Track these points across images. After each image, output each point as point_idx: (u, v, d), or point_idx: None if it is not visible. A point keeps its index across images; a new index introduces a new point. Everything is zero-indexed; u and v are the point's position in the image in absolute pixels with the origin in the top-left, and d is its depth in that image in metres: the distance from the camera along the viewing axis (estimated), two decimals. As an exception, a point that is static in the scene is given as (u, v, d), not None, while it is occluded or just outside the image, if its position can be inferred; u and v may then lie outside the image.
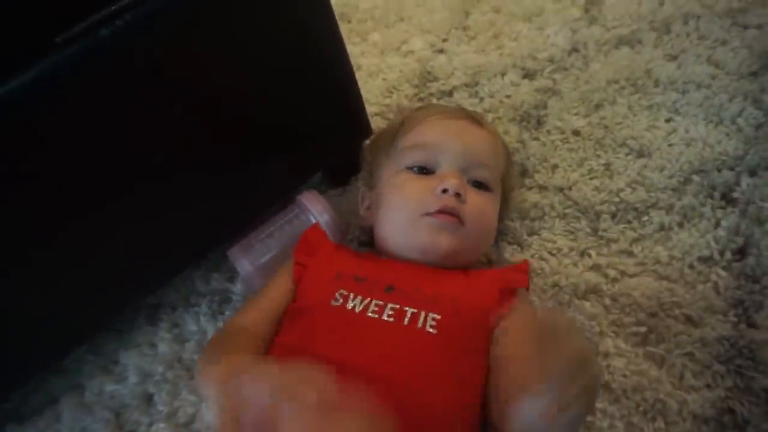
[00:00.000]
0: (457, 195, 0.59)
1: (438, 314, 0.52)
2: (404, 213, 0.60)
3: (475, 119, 0.68)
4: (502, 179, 0.68)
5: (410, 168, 0.63)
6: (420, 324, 0.51)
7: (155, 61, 0.53)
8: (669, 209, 0.69)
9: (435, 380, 0.48)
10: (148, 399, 0.69)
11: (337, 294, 0.55)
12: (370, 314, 0.52)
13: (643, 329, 0.60)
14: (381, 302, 0.53)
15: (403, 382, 0.48)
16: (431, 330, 0.51)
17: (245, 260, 0.70)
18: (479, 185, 0.63)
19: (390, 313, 0.52)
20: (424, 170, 0.63)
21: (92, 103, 0.51)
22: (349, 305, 0.53)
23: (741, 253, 0.64)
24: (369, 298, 0.54)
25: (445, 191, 0.59)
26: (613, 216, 0.70)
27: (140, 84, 0.54)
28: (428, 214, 0.59)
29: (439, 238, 0.58)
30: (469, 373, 0.51)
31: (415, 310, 0.52)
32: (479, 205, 0.61)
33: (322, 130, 0.73)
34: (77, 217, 0.57)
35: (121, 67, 0.51)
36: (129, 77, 0.52)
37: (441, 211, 0.58)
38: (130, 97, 0.53)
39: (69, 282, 0.61)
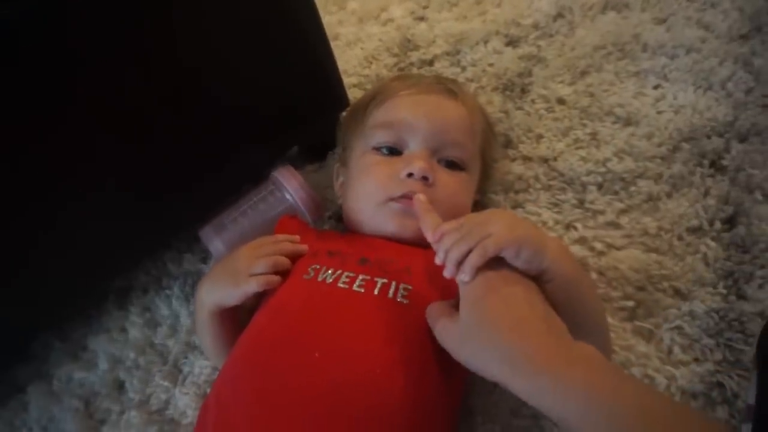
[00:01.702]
0: (424, 179, 0.56)
1: (409, 284, 0.51)
2: (370, 198, 0.58)
3: (451, 91, 0.64)
4: (483, 152, 0.66)
5: (378, 148, 0.60)
6: (390, 294, 0.50)
7: (117, 31, 0.50)
8: (657, 179, 0.67)
9: (405, 351, 0.47)
10: (119, 386, 0.66)
11: (309, 268, 0.54)
12: (340, 285, 0.51)
13: (630, 303, 0.58)
14: (352, 274, 0.52)
15: (371, 352, 0.46)
16: (402, 300, 0.50)
17: (218, 240, 0.67)
18: (452, 165, 0.60)
19: (361, 283, 0.51)
20: (393, 150, 0.60)
21: (40, 73, 0.48)
22: (320, 277, 0.52)
23: (730, 222, 0.62)
24: (341, 270, 0.52)
25: (410, 175, 0.56)
26: (600, 187, 0.68)
27: (94, 54, 0.50)
28: (392, 199, 0.57)
29: (405, 224, 0.56)
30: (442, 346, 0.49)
31: (386, 281, 0.51)
32: (450, 187, 0.58)
33: (297, 103, 0.70)
34: (38, 199, 0.54)
35: (66, 34, 0.47)
36: (78, 47, 0.49)
37: (406, 196, 0.56)
38: (81, 70, 0.50)
39: (30, 263, 0.58)
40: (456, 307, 0.45)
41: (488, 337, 0.41)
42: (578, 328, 0.41)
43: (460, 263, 0.44)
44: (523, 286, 0.43)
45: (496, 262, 0.44)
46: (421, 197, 0.53)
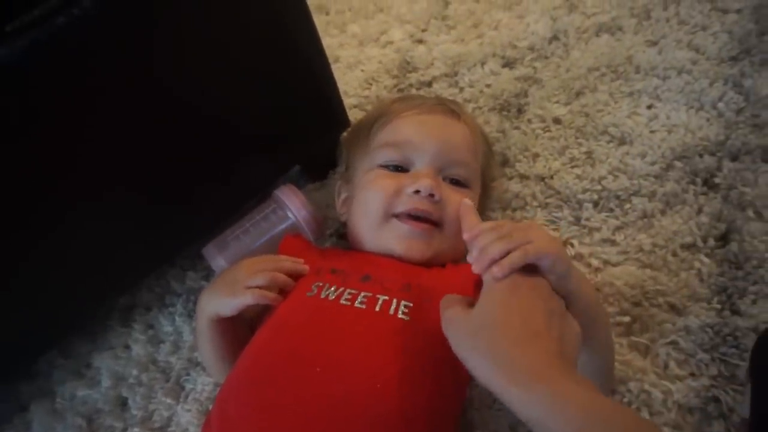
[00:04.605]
0: (431, 196, 0.57)
1: (410, 302, 0.51)
2: (374, 212, 0.59)
3: (454, 112, 0.66)
4: (482, 171, 0.67)
5: (384, 166, 0.62)
6: (392, 311, 0.51)
7: (118, 54, 0.51)
8: (651, 196, 0.68)
9: (405, 367, 0.48)
10: (122, 403, 0.67)
11: (312, 286, 0.55)
12: (342, 302, 0.52)
13: (626, 319, 0.59)
14: (354, 290, 0.53)
15: (372, 367, 0.47)
16: (403, 317, 0.50)
17: (220, 258, 0.68)
18: (456, 183, 0.61)
19: (362, 300, 0.52)
20: (399, 168, 0.61)
21: (49, 98, 0.49)
22: (323, 294, 0.53)
23: (724, 239, 0.63)
24: (343, 287, 0.53)
25: (417, 192, 0.57)
26: (596, 204, 0.69)
27: (101, 78, 0.51)
28: (397, 216, 0.58)
29: (412, 245, 0.57)
30: (443, 362, 0.50)
31: (387, 298, 0.52)
32: (456, 204, 0.58)
33: (299, 123, 0.71)
34: (44, 216, 0.55)
35: (78, 58, 0.49)
36: (88, 70, 0.50)
37: (411, 215, 0.58)
38: (91, 92, 0.51)
39: (35, 281, 0.59)
40: (471, 304, 0.43)
41: (497, 340, 0.39)
42: (588, 351, 0.42)
43: (494, 262, 0.43)
44: (546, 302, 0.42)
45: (528, 271, 0.43)
46: (468, 202, 0.53)
